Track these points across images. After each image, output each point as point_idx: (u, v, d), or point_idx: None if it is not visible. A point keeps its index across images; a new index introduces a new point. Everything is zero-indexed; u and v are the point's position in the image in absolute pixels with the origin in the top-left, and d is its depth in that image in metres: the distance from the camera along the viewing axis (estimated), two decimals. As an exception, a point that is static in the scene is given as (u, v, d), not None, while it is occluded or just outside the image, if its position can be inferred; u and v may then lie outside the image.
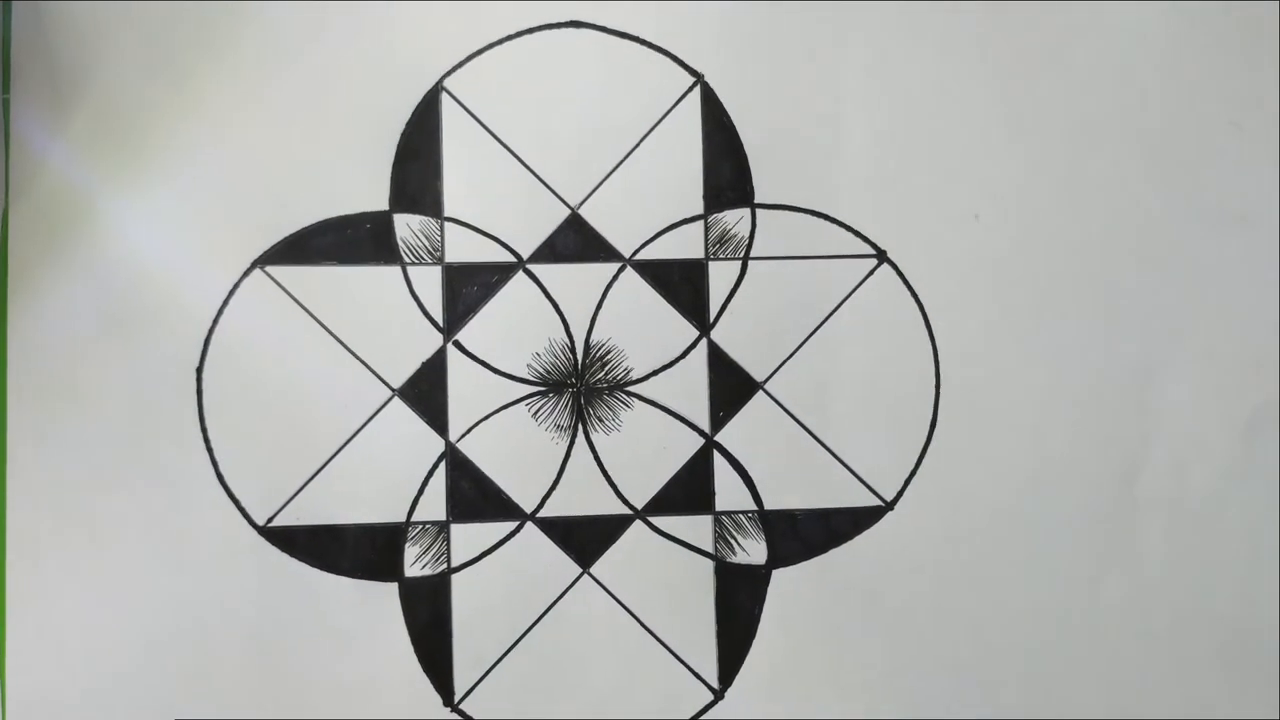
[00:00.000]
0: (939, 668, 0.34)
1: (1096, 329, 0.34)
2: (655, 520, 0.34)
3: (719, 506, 0.34)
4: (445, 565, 0.33)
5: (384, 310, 0.34)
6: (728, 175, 0.34)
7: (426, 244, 0.34)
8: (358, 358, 0.34)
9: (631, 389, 0.34)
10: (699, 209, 0.34)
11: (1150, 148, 0.35)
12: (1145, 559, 0.34)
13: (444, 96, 0.34)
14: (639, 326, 0.34)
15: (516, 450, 0.34)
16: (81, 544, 0.33)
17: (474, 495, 0.33)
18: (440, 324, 0.34)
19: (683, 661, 0.33)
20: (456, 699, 0.33)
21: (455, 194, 0.34)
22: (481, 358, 0.34)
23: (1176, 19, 0.35)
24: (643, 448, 0.34)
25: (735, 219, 0.34)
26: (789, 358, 0.34)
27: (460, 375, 0.34)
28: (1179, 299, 0.35)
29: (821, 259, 0.34)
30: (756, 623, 0.34)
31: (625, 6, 0.34)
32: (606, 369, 0.34)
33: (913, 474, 0.34)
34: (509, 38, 0.34)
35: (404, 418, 0.33)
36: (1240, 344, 0.35)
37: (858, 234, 0.34)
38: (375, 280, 0.34)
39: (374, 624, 0.33)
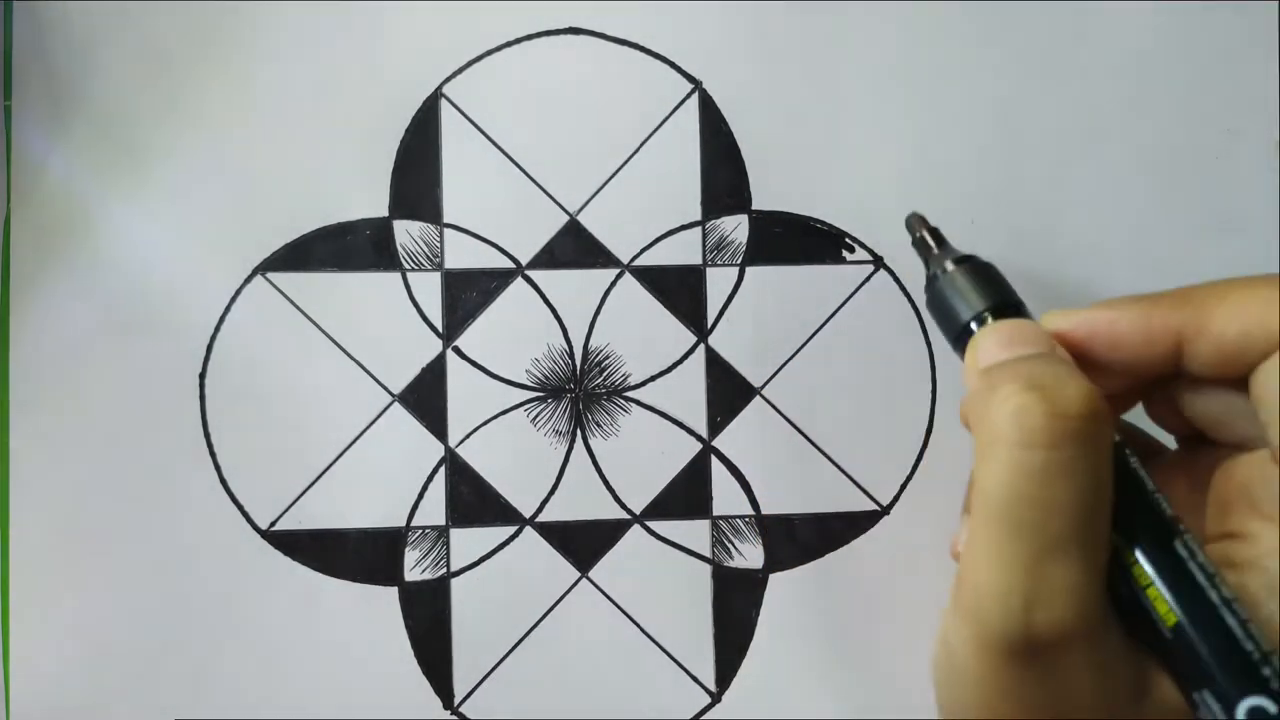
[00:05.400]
0: (934, 671, 0.34)
1: (1092, 334, 0.34)
2: (653, 525, 0.34)
3: (716, 511, 0.34)
4: (445, 569, 0.33)
5: (384, 316, 0.34)
6: (725, 181, 0.34)
7: (426, 250, 0.34)
8: (358, 363, 0.34)
9: (629, 394, 0.34)
10: (697, 215, 0.34)
11: (1146, 153, 0.35)
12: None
13: (443, 103, 0.34)
14: (637, 332, 0.34)
15: (515, 455, 0.34)
16: (85, 548, 0.33)
17: (473, 500, 0.34)
18: (440, 330, 0.34)
19: (680, 664, 0.34)
20: (456, 702, 0.33)
21: (454, 200, 0.34)
22: (481, 363, 0.34)
23: (1173, 24, 0.35)
24: (641, 453, 0.34)
25: (733, 225, 0.34)
26: (786, 363, 0.34)
27: (459, 381, 0.34)
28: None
29: (818, 265, 0.34)
30: (753, 626, 0.34)
31: (624, 13, 0.34)
32: (605, 374, 0.34)
33: (909, 479, 0.34)
34: (508, 44, 0.34)
35: (404, 423, 0.34)
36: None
37: (854, 240, 0.34)
38: (375, 286, 0.34)
39: (374, 627, 0.33)
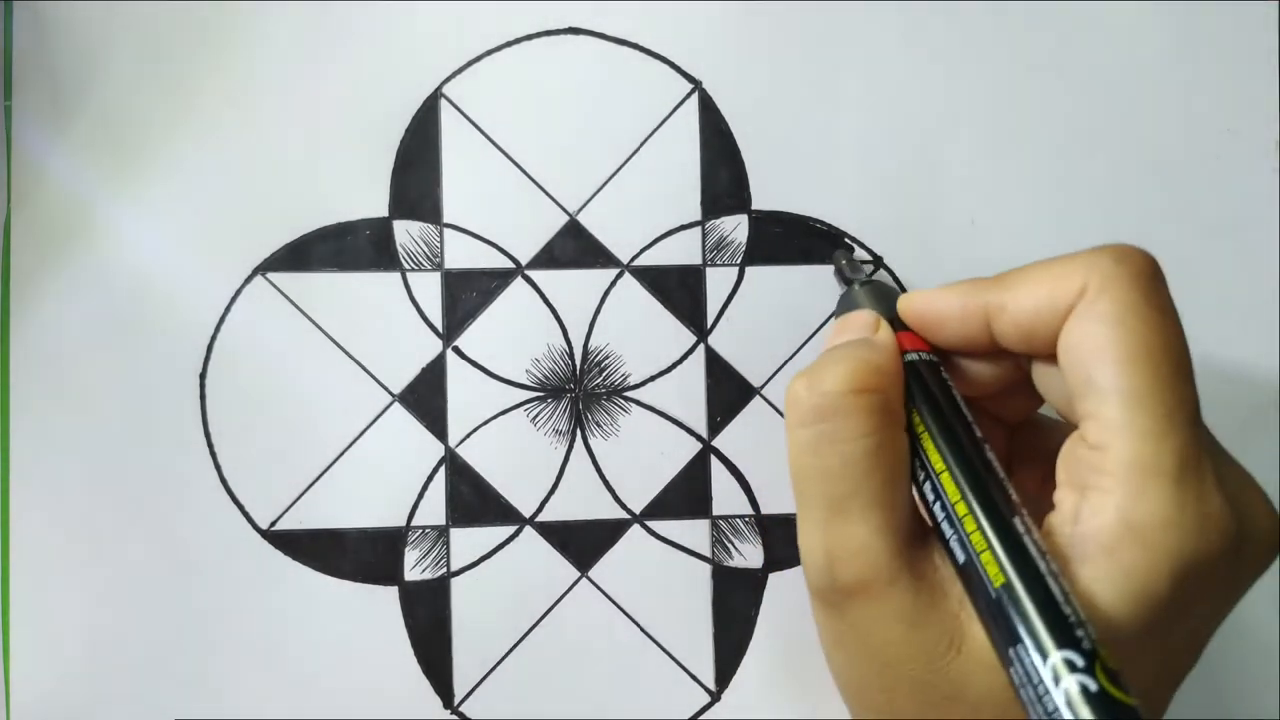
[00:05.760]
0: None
1: (1092, 334, 0.34)
2: (653, 524, 0.34)
3: (716, 511, 0.34)
4: (445, 569, 0.34)
5: (384, 316, 0.34)
6: (725, 181, 0.34)
7: (426, 250, 0.34)
8: (358, 363, 0.34)
9: (629, 394, 0.34)
10: (697, 215, 0.34)
11: (1146, 153, 0.35)
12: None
13: (443, 103, 0.34)
14: (637, 332, 0.34)
15: (515, 455, 0.34)
16: (85, 548, 0.33)
17: (473, 500, 0.34)
18: (440, 330, 0.34)
19: (680, 664, 0.34)
20: (456, 701, 0.33)
21: (454, 201, 0.34)
22: (480, 363, 0.34)
23: (1172, 24, 0.35)
24: (640, 453, 0.34)
25: (732, 225, 0.34)
26: (786, 363, 0.34)
27: (459, 381, 0.34)
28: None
29: (818, 265, 0.34)
30: (753, 625, 0.34)
31: (624, 13, 0.34)
32: (605, 374, 0.34)
33: (908, 479, 0.34)
34: (508, 44, 0.34)
35: (404, 423, 0.34)
36: (1235, 350, 0.35)
37: (854, 240, 0.34)
38: (375, 286, 0.34)
39: (374, 627, 0.33)
